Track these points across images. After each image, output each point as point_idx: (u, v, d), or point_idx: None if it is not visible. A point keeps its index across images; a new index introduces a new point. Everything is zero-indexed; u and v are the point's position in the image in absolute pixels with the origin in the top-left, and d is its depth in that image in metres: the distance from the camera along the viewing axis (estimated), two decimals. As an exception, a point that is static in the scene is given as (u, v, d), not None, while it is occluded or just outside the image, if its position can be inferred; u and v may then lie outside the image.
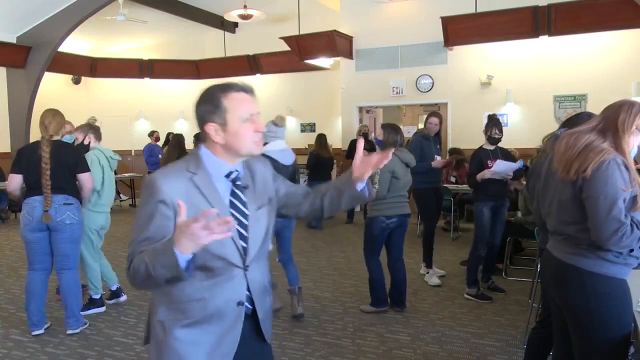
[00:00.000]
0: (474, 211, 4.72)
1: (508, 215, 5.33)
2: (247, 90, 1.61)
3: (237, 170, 1.62)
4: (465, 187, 7.24)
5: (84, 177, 3.86)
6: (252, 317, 1.67)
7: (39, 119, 3.82)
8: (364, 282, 4.85)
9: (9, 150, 10.16)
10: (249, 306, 1.65)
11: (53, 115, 3.83)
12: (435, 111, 5.68)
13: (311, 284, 5.10)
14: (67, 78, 12.22)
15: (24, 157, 3.78)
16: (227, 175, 1.60)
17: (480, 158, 4.57)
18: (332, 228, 8.17)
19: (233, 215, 1.58)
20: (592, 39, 7.88)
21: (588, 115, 2.64)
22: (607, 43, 7.91)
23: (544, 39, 7.96)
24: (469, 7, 8.13)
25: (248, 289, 1.63)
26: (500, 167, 4.42)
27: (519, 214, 5.33)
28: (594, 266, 1.94)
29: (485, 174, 4.45)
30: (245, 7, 9.63)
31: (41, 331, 3.82)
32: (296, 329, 3.94)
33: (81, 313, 3.98)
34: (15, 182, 3.76)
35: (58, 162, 3.70)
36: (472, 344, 3.64)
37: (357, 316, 4.21)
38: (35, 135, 9.88)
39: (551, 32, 7.69)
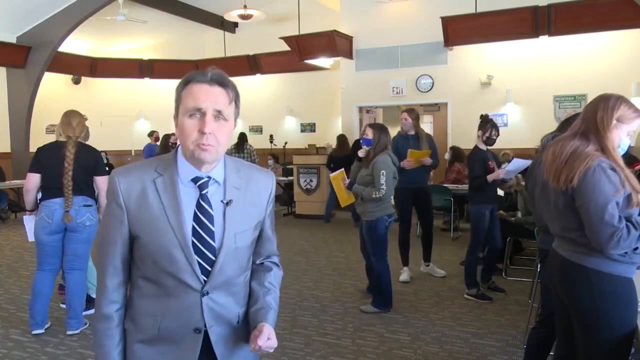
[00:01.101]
0: (471, 214, 4.69)
1: (508, 215, 5.34)
2: (210, 80, 1.33)
3: (209, 177, 1.38)
4: (464, 186, 7.24)
5: (100, 180, 3.82)
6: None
7: (64, 119, 3.77)
8: (364, 282, 4.84)
9: (9, 150, 10.17)
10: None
11: (80, 116, 3.82)
12: (410, 107, 5.59)
13: (311, 284, 5.10)
14: (67, 78, 12.23)
15: (43, 157, 3.75)
16: (195, 181, 1.37)
17: (484, 159, 4.51)
18: (332, 228, 8.18)
19: (195, 229, 1.36)
20: (592, 39, 7.89)
21: None
22: (607, 43, 7.92)
23: (544, 39, 7.96)
24: (469, 7, 8.13)
25: (203, 318, 1.40)
26: (513, 166, 4.36)
27: (519, 214, 5.32)
28: (600, 265, 1.93)
29: (500, 174, 4.38)
30: (245, 7, 9.64)
31: (42, 331, 3.82)
32: (296, 329, 3.94)
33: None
34: (33, 181, 3.74)
35: (78, 164, 3.68)
36: (472, 344, 3.64)
37: (357, 316, 4.20)
38: (35, 135, 9.91)
39: (551, 32, 7.70)
